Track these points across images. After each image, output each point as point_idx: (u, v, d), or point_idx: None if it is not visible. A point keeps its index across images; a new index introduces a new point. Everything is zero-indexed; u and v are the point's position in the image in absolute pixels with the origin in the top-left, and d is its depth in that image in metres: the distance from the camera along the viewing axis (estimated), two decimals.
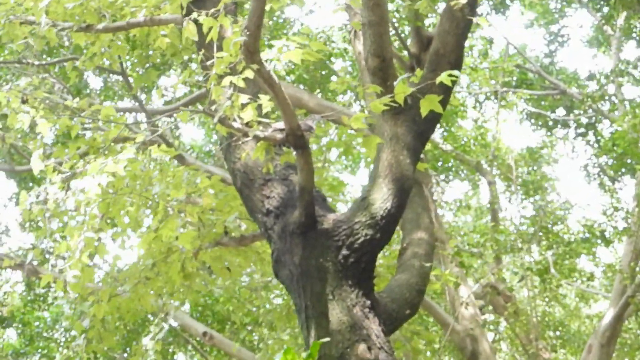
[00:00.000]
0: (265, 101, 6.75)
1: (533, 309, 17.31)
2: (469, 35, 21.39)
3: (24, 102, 7.06)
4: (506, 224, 19.20)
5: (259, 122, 6.75)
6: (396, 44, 16.66)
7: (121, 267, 9.64)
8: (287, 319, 13.26)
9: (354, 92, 17.35)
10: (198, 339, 17.02)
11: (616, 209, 19.42)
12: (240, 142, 7.26)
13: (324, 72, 18.77)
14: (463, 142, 22.15)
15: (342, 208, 12.35)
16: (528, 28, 24.06)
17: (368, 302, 6.93)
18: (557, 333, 21.53)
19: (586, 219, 20.55)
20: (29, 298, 20.75)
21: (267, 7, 15.28)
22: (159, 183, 8.41)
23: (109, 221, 8.47)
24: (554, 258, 18.58)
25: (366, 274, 7.03)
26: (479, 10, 21.10)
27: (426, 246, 8.39)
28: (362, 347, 6.67)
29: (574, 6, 23.06)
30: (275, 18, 18.92)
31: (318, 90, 18.56)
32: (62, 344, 20.89)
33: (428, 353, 18.41)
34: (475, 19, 7.63)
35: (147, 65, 15.53)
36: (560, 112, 22.13)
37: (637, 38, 21.81)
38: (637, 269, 16.42)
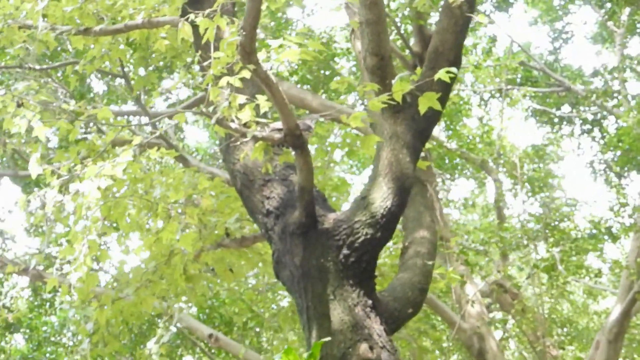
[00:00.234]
0: (263, 101, 6.73)
1: (540, 306, 17.25)
2: (474, 33, 21.51)
3: (19, 105, 7.05)
4: (513, 222, 19.15)
5: (257, 123, 6.72)
6: (399, 42, 16.66)
7: (126, 271, 9.60)
8: (293, 320, 13.24)
9: (355, 91, 17.33)
10: (206, 341, 17.00)
11: (623, 205, 19.37)
12: (238, 143, 7.23)
13: (327, 72, 18.74)
14: (468, 140, 22.13)
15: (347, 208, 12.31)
16: (532, 25, 24.03)
17: (369, 302, 6.91)
18: (565, 330, 21.46)
19: (592, 216, 20.52)
20: (35, 303, 20.76)
21: (265, 8, 15.29)
22: (160, 185, 8.39)
23: (113, 225, 8.47)
24: (560, 255, 18.53)
25: (367, 274, 7.00)
26: (482, 8, 21.14)
27: (428, 245, 8.36)
28: (363, 347, 6.65)
29: (577, 3, 23.01)
30: (276, 19, 18.88)
31: (322, 91, 18.53)
32: (69, 348, 20.88)
33: (437, 352, 18.39)
34: (474, 17, 7.58)
35: (151, 68, 15.53)
36: (566, 109, 22.09)
37: None
38: None
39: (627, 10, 20.56)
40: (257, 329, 18.77)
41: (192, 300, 9.73)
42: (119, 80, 17.62)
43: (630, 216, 18.89)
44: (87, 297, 8.47)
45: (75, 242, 7.62)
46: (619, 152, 20.09)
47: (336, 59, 19.40)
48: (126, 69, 14.31)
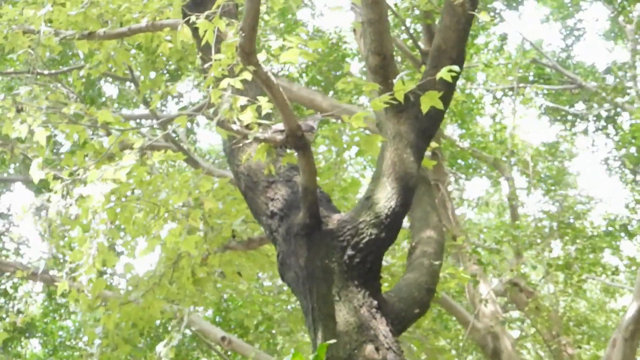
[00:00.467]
0: (264, 102, 6.70)
1: (554, 305, 17.16)
2: (485, 32, 21.45)
3: (18, 111, 7.05)
4: (527, 220, 19.06)
5: (259, 124, 6.70)
6: (409, 42, 16.64)
7: (134, 275, 9.60)
8: (304, 322, 13.21)
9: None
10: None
11: (638, 202, 19.27)
12: (240, 145, 7.21)
13: (337, 73, 18.71)
14: (481, 139, 22.07)
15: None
16: (544, 23, 23.96)
17: (375, 302, 6.87)
18: (583, 329, 21.34)
19: (608, 213, 20.41)
20: (50, 308, 20.80)
21: (276, 9, 15.20)
22: (167, 189, 8.38)
23: (121, 228, 8.45)
24: (576, 253, 18.43)
25: (372, 274, 6.96)
26: (492, 6, 21.08)
27: (435, 245, 8.31)
28: (369, 348, 6.61)
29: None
30: (285, 20, 18.86)
31: (332, 92, 18.51)
32: (85, 352, 20.90)
33: (453, 351, 18.34)
34: (477, 14, 7.53)
35: (162, 71, 15.54)
36: (579, 106, 22.00)
37: None
38: None
39: (638, 6, 20.45)
40: (273, 331, 18.75)
41: (202, 304, 9.71)
42: (129, 84, 17.67)
43: None
44: (94, 301, 8.45)
45: (83, 246, 7.62)
46: (633, 149, 19.99)
47: (347, 59, 19.37)
48: (136, 73, 14.35)
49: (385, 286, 8.57)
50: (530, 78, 22.07)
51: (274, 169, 7.27)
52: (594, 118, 21.78)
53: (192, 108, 15.21)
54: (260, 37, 16.82)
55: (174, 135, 18.31)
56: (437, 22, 13.12)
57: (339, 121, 12.58)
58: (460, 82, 20.95)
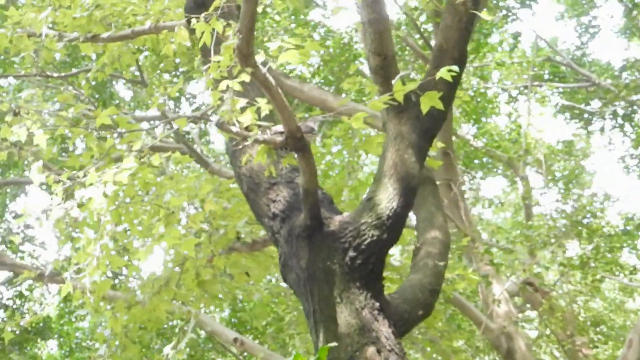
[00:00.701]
0: (264, 104, 6.68)
1: (569, 305, 17.07)
2: (498, 30, 21.38)
3: (15, 114, 7.05)
4: (543, 219, 18.95)
5: (259, 126, 6.67)
6: (421, 42, 16.60)
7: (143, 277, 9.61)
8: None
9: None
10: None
11: None
12: (240, 147, 7.18)
13: (351, 73, 18.65)
14: (495, 139, 22.00)
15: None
16: (558, 20, 23.86)
17: (377, 304, 6.82)
18: (601, 329, 21.22)
19: (626, 212, 20.30)
20: (66, 309, 20.88)
21: (287, 10, 15.15)
22: (172, 190, 8.37)
23: (127, 231, 8.46)
24: (594, 252, 18.33)
25: (374, 275, 6.92)
26: (506, 4, 21.01)
27: (440, 245, 8.25)
28: (371, 350, 6.57)
29: None
30: (297, 20, 18.85)
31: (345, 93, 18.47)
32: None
33: (470, 352, 18.27)
34: (479, 13, 7.48)
35: (170, 72, 15.55)
36: (596, 104, 21.90)
37: None
38: None
39: None
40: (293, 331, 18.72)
41: (209, 305, 9.70)
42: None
43: None
44: (98, 302, 8.46)
45: (87, 248, 7.63)
46: None
47: (360, 59, 19.32)
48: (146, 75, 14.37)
49: (396, 287, 8.51)
50: (546, 76, 21.99)
51: (275, 171, 7.25)
52: (610, 116, 21.67)
53: (206, 109, 15.18)
54: (271, 38, 16.85)
55: (188, 136, 18.38)
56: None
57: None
58: (474, 81, 20.90)
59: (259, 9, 6.50)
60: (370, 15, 7.23)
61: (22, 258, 19.16)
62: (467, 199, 22.37)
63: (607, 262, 18.89)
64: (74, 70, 14.60)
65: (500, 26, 21.00)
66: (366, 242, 6.85)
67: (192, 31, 7.21)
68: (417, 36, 17.00)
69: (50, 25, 9.19)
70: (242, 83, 6.58)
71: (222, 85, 6.55)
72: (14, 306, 18.47)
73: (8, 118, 7.16)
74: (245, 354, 19.14)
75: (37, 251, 19.26)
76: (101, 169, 7.43)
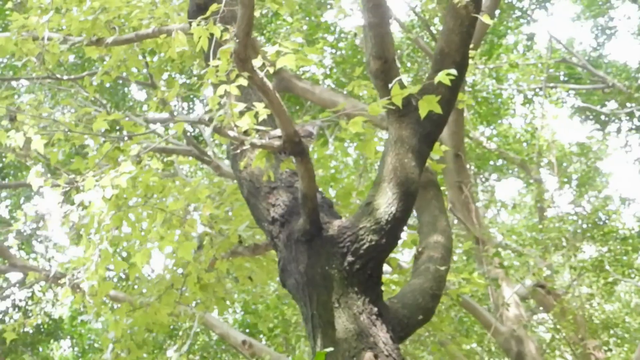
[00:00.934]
0: (261, 108, 6.66)
1: (580, 308, 16.98)
2: (513, 31, 21.32)
3: (12, 119, 7.06)
4: (555, 221, 18.87)
5: (257, 130, 6.66)
6: (433, 44, 16.54)
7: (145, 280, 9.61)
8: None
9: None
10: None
11: None
12: (238, 151, 7.16)
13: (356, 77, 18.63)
14: (511, 140, 21.94)
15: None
16: (575, 21, 23.76)
17: (375, 309, 6.79)
18: (616, 331, 21.09)
19: None
20: (79, 311, 20.93)
21: (297, 11, 15.11)
22: (176, 194, 8.37)
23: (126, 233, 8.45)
24: (610, 254, 18.25)
25: (373, 280, 6.90)
26: (521, 5, 20.94)
27: (442, 249, 8.21)
28: (368, 355, 6.54)
29: None
30: (309, 22, 18.82)
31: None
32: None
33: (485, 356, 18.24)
34: (480, 17, 7.44)
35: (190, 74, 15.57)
36: (612, 105, 21.79)
37: None
38: None
39: None
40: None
41: (213, 309, 9.70)
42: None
43: None
44: (99, 304, 8.47)
45: (87, 252, 7.64)
46: None
47: None
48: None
49: None
50: (561, 78, 21.91)
51: (273, 175, 7.23)
52: (627, 117, 21.57)
53: (203, 113, 15.19)
54: (282, 40, 16.84)
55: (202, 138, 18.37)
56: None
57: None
58: (489, 83, 20.84)
59: (257, 13, 6.48)
60: (370, 18, 7.19)
61: (36, 259, 19.24)
62: (481, 200, 22.34)
63: (622, 265, 18.81)
64: (83, 73, 14.63)
65: (513, 28, 20.93)
66: (364, 247, 6.83)
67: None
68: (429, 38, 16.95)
69: (55, 29, 9.22)
70: (243, 87, 6.57)
71: (220, 89, 6.54)
72: (27, 307, 18.52)
73: (4, 122, 7.19)
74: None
75: (50, 252, 19.31)
76: (106, 172, 7.42)
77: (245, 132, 6.60)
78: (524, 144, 21.76)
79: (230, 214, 9.01)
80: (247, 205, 8.67)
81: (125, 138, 8.39)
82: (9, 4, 10.00)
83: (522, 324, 14.68)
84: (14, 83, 15.85)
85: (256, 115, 6.71)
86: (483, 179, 22.88)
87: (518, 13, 21.03)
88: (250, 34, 6.18)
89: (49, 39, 8.81)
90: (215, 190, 9.53)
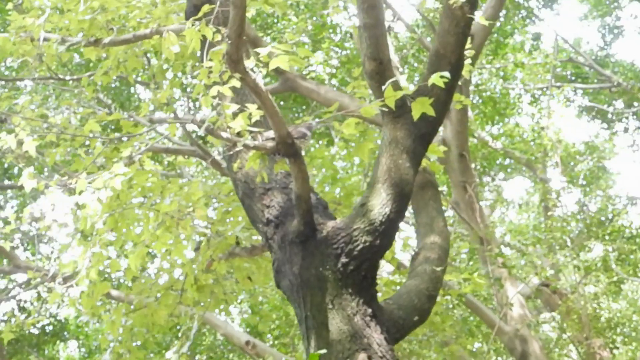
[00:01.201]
0: (254, 110, 6.65)
1: (584, 307, 16.93)
2: (520, 30, 21.28)
3: (2, 121, 7.07)
4: (559, 221, 18.83)
5: (250, 132, 6.65)
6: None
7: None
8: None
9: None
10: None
11: None
12: (232, 153, 7.16)
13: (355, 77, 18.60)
14: (518, 139, 21.91)
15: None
16: (582, 20, 23.72)
17: (369, 310, 6.78)
18: (623, 330, 21.02)
19: None
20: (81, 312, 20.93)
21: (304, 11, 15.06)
22: (173, 194, 8.37)
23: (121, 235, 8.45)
24: (616, 253, 18.18)
25: (367, 282, 6.88)
26: (529, 4, 20.90)
27: (439, 250, 8.18)
28: (362, 357, 6.53)
29: None
30: (314, 23, 18.83)
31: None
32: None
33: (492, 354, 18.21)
34: (475, 18, 7.41)
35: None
36: (620, 104, 21.76)
37: None
38: None
39: None
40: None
41: (213, 309, 9.71)
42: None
43: None
44: (95, 308, 8.48)
45: (79, 256, 7.64)
46: None
47: None
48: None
49: None
50: (569, 77, 21.88)
51: (268, 177, 7.22)
52: (634, 116, 21.53)
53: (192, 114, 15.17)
54: (288, 39, 16.82)
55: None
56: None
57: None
58: (493, 83, 20.80)
59: (248, 14, 6.48)
60: (365, 19, 7.14)
61: (42, 260, 19.25)
62: (488, 200, 22.31)
63: (629, 264, 18.76)
64: (85, 74, 14.64)
65: (518, 26, 20.89)
66: (358, 248, 6.81)
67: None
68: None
69: (52, 30, 9.22)
70: (237, 88, 6.56)
71: (214, 90, 6.53)
72: (32, 308, 18.54)
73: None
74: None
75: (55, 254, 19.30)
76: (99, 174, 7.42)
77: (239, 134, 6.60)
78: (531, 143, 21.69)
79: (227, 215, 8.99)
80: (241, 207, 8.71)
81: (124, 139, 8.39)
82: (10, 5, 9.99)
83: (526, 324, 14.65)
84: (19, 84, 15.87)
85: (249, 117, 6.70)
86: (489, 179, 22.84)
87: (524, 13, 20.99)
88: (242, 35, 6.17)
89: (47, 39, 8.82)
90: (215, 191, 9.53)
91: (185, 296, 9.26)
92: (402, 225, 18.29)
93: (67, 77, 11.89)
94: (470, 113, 18.29)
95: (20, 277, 18.30)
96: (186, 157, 12.58)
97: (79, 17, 8.91)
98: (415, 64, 19.86)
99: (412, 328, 7.45)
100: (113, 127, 16.50)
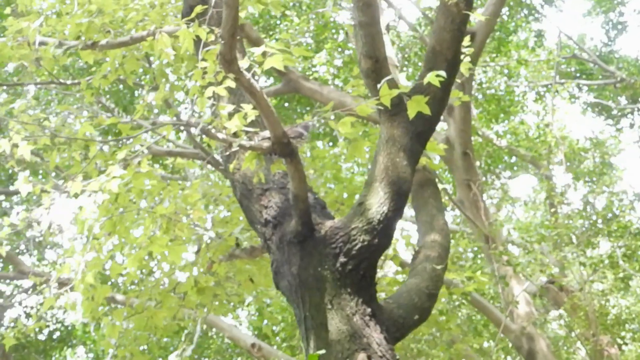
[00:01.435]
0: (249, 110, 6.62)
1: (590, 304, 16.85)
2: (523, 27, 21.23)
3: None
4: (564, 218, 18.76)
5: (246, 132, 6.63)
6: None
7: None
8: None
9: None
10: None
11: None
12: (228, 153, 7.14)
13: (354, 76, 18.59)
14: (523, 137, 21.86)
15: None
16: (585, 17, 23.67)
17: (368, 310, 6.75)
18: (631, 327, 20.92)
19: None
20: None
21: (307, 11, 15.04)
22: (175, 198, 8.34)
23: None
24: (623, 250, 18.08)
25: (366, 281, 6.85)
26: (531, 1, 20.84)
27: (439, 248, 8.12)
28: (361, 357, 6.50)
29: None
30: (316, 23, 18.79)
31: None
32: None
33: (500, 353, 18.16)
34: (471, 14, 7.38)
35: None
36: (625, 100, 21.69)
37: None
38: None
39: None
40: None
41: (219, 313, 9.68)
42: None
43: None
44: (95, 312, 8.45)
45: (75, 260, 7.62)
46: None
47: None
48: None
49: None
50: (573, 73, 21.83)
51: (265, 177, 7.20)
52: (639, 112, 21.47)
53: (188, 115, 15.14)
54: (290, 40, 16.81)
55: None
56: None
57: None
58: (497, 81, 20.75)
59: (242, 14, 6.46)
60: (361, 17, 7.11)
61: (49, 265, 19.27)
62: (493, 198, 22.25)
63: (637, 260, 18.67)
64: (86, 78, 14.64)
65: (520, 23, 20.85)
66: (357, 247, 6.78)
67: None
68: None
69: (51, 34, 9.21)
70: (233, 88, 6.54)
71: (208, 91, 6.51)
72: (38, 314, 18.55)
73: None
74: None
75: (61, 259, 19.31)
76: (94, 177, 7.40)
77: (235, 134, 6.57)
78: (536, 140, 21.63)
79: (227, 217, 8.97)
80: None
81: (122, 142, 8.36)
82: (7, 10, 9.98)
83: (533, 322, 14.59)
84: (20, 89, 15.87)
85: (245, 117, 6.67)
86: (493, 177, 22.78)
87: (526, 10, 20.94)
88: (236, 35, 6.14)
89: (44, 43, 8.80)
90: (216, 193, 9.50)
91: (188, 299, 9.23)
92: (405, 224, 18.40)
93: (67, 82, 11.88)
94: (474, 111, 18.26)
95: (27, 283, 18.28)
96: (190, 159, 12.53)
97: (76, 20, 8.88)
98: (420, 63, 19.82)
99: (412, 327, 7.40)
100: (116, 130, 16.47)
